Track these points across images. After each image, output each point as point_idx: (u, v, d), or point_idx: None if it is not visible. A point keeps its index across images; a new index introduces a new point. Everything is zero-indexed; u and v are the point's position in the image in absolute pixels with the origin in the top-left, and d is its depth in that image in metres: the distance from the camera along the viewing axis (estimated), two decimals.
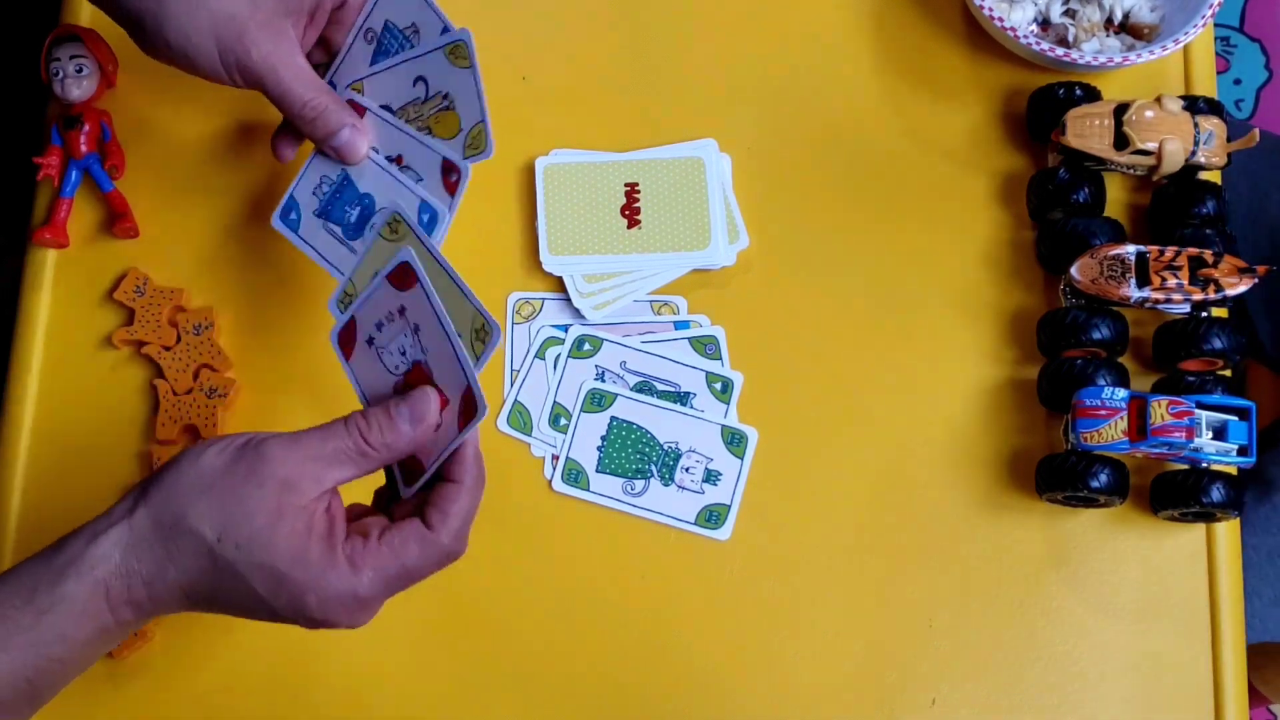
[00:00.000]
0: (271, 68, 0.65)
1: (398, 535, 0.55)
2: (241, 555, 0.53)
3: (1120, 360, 0.75)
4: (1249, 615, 0.75)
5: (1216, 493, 0.70)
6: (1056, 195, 0.76)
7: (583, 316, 0.77)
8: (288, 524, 0.53)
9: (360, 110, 0.69)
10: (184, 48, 0.64)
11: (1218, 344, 0.72)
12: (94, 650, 0.55)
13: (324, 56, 0.71)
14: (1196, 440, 0.69)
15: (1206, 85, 0.82)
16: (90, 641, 0.54)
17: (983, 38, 0.82)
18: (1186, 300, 0.73)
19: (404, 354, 0.59)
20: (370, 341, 0.60)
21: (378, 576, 0.54)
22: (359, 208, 0.69)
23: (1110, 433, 0.70)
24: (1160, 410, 0.69)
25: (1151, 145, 0.75)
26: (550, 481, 0.75)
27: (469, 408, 0.56)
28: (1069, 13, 0.83)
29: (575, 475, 0.75)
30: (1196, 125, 0.75)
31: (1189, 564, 0.74)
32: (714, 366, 0.77)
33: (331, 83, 0.70)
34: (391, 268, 0.58)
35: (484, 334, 0.57)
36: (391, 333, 0.59)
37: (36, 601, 0.53)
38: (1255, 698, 0.90)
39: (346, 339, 0.61)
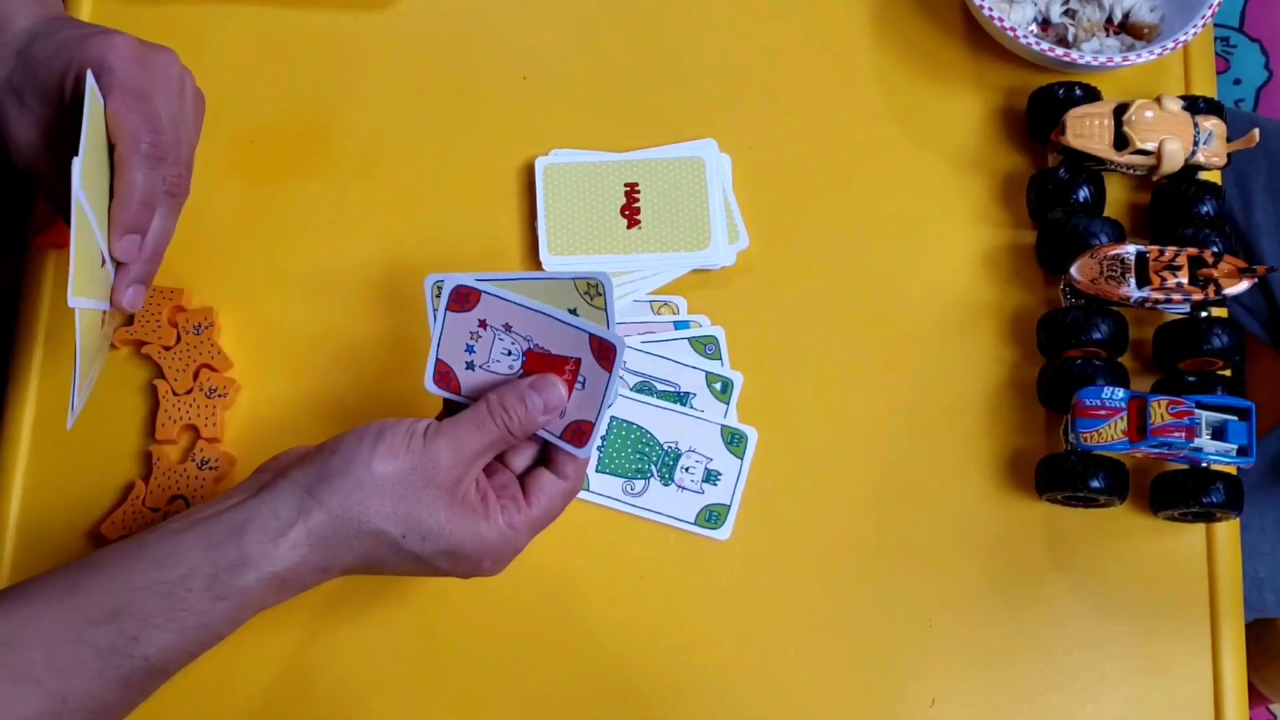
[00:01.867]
0: (30, 168, 0.65)
1: (541, 493, 0.62)
2: (427, 545, 0.59)
3: (1120, 360, 0.75)
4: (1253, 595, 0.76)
5: (1216, 493, 0.70)
6: (1056, 195, 0.76)
7: None
8: (461, 512, 0.59)
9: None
10: None
11: (1218, 344, 0.72)
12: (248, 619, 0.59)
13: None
14: (1196, 440, 0.69)
15: (1206, 85, 0.82)
16: (251, 618, 0.58)
17: (983, 38, 0.82)
18: (1186, 300, 0.73)
19: (509, 353, 0.62)
20: (471, 366, 0.63)
21: (531, 527, 0.62)
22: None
23: (1110, 433, 0.70)
24: (1160, 410, 0.69)
25: (1151, 145, 0.75)
26: None
27: (606, 351, 0.60)
28: (1069, 13, 0.83)
29: None
30: (1196, 125, 0.75)
31: (1189, 564, 0.74)
32: (714, 366, 0.77)
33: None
34: (446, 298, 0.62)
35: (595, 289, 0.62)
36: (486, 345, 0.62)
37: (215, 589, 0.56)
38: (1255, 698, 0.90)
39: (444, 379, 0.63)
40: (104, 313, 0.66)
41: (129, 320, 0.77)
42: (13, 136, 0.64)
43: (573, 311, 0.62)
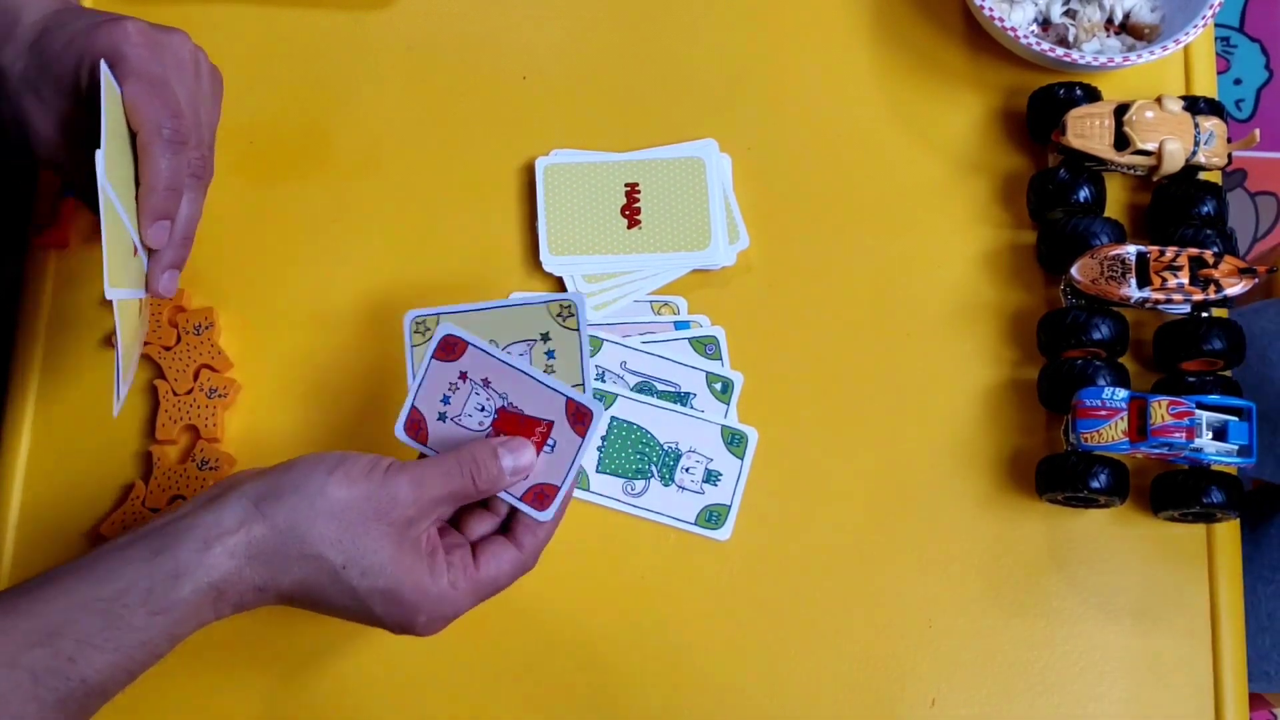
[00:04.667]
0: (54, 163, 0.65)
1: (493, 558, 0.60)
2: (365, 582, 0.57)
3: (1120, 360, 0.75)
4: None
5: (1216, 493, 0.70)
6: (1056, 195, 0.76)
7: None
8: (408, 555, 0.57)
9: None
10: (6, 132, 0.66)
11: (1218, 344, 0.72)
12: (187, 638, 0.58)
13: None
14: (1197, 441, 0.69)
15: (1207, 85, 0.82)
16: (189, 635, 0.57)
17: (983, 38, 0.82)
18: (1187, 300, 0.73)
19: (483, 409, 0.62)
20: (442, 417, 0.62)
21: (475, 592, 0.60)
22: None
23: (1110, 433, 0.70)
24: (1160, 410, 0.69)
25: (1152, 145, 0.75)
26: None
27: (581, 416, 0.60)
28: (1069, 13, 0.83)
29: None
30: (1197, 125, 0.75)
31: (1189, 564, 0.74)
32: (714, 366, 0.77)
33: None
34: (435, 345, 0.62)
35: (567, 310, 0.63)
36: (462, 397, 0.62)
37: (151, 603, 0.54)
38: (1256, 699, 0.90)
39: (415, 427, 0.63)
40: (141, 300, 0.66)
41: None
42: (33, 130, 0.64)
43: (545, 336, 0.63)
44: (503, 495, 0.61)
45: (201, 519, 0.56)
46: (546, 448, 0.61)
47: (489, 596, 0.61)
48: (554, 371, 0.64)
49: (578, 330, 0.64)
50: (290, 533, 0.56)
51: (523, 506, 0.62)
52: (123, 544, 0.56)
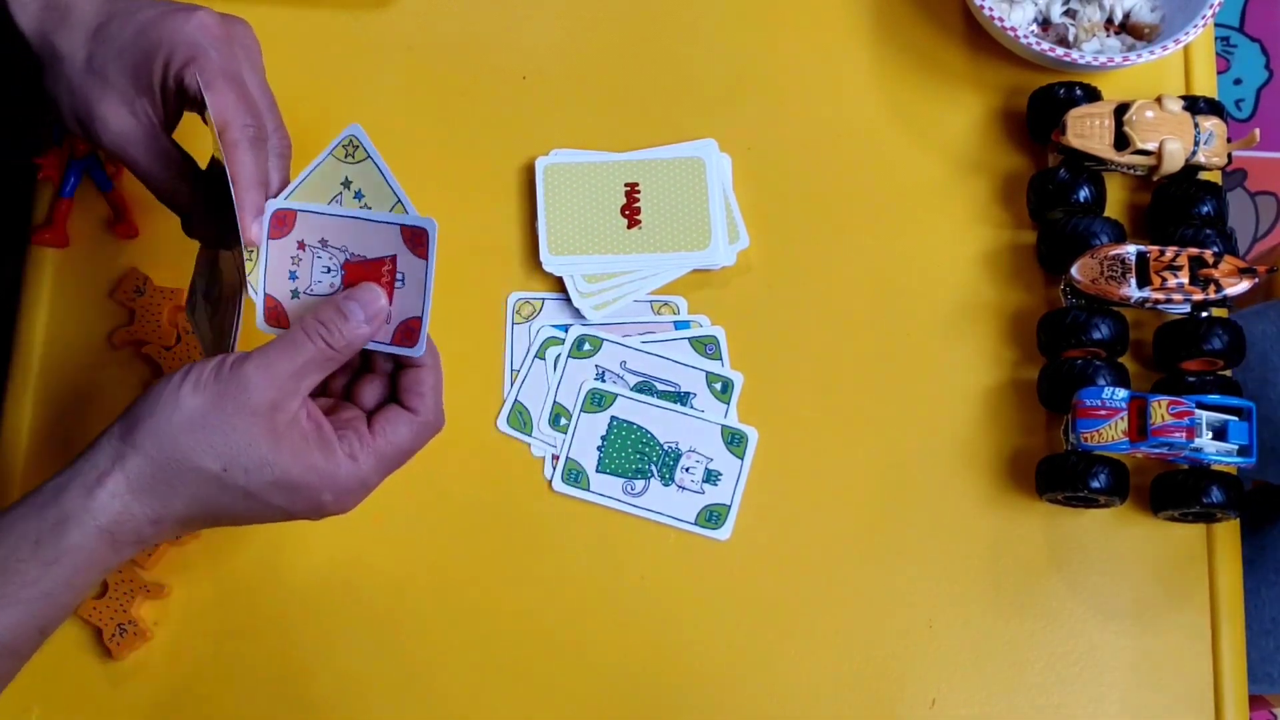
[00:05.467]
0: (122, 149, 0.64)
1: (388, 424, 0.59)
2: (253, 478, 0.56)
3: (1120, 360, 0.75)
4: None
5: (1216, 493, 0.70)
6: (1056, 195, 0.76)
7: (583, 316, 0.77)
8: (287, 440, 0.56)
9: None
10: (62, 116, 0.65)
11: (1218, 344, 0.72)
12: (96, 585, 0.58)
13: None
14: (1197, 440, 0.69)
15: (1206, 85, 0.82)
16: (95, 581, 0.57)
17: (983, 38, 0.82)
18: (1187, 300, 0.73)
19: (329, 270, 0.61)
20: (295, 294, 0.62)
21: (380, 462, 0.59)
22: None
23: (1110, 433, 0.70)
24: (1160, 410, 0.69)
25: (1152, 145, 0.75)
26: (550, 481, 0.75)
27: (418, 238, 0.59)
28: (1069, 13, 0.83)
29: (575, 475, 0.75)
30: (1197, 125, 0.75)
31: (1189, 564, 0.74)
32: (714, 366, 0.77)
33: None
34: (267, 225, 0.61)
35: (352, 145, 0.62)
36: (307, 267, 0.61)
37: (41, 555, 0.54)
38: (1256, 699, 0.90)
39: (274, 314, 0.62)
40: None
41: (130, 319, 0.77)
42: (98, 115, 0.63)
43: (346, 183, 0.61)
44: (373, 346, 0.60)
45: (79, 466, 0.56)
46: (398, 283, 0.59)
47: (398, 463, 0.60)
48: (369, 208, 0.62)
49: (369, 158, 0.62)
50: (161, 455, 0.55)
51: (394, 349, 0.60)
52: (15, 505, 0.56)
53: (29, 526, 0.55)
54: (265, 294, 0.61)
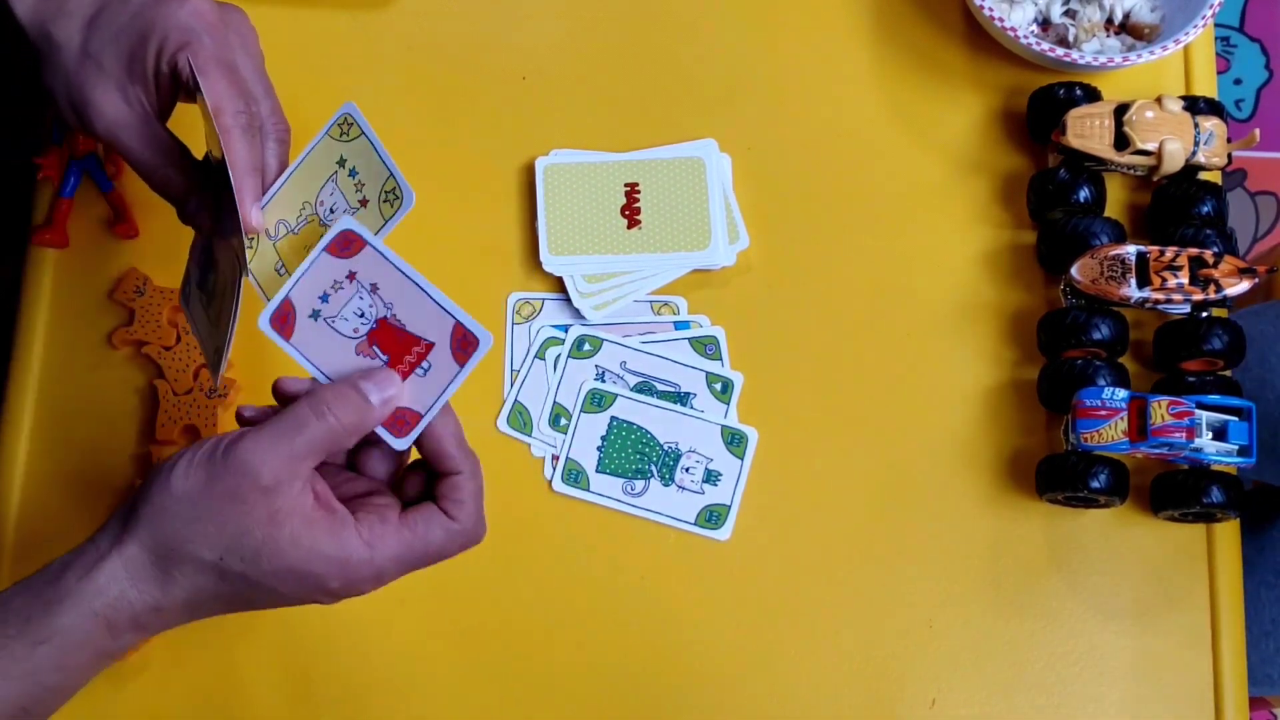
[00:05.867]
0: (115, 136, 0.64)
1: (421, 522, 0.56)
2: (250, 567, 0.53)
3: (1120, 360, 0.75)
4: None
5: (1216, 493, 0.70)
6: (1056, 195, 0.76)
7: (583, 316, 0.77)
8: (287, 527, 0.53)
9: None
10: (59, 105, 0.65)
11: (1218, 344, 0.72)
12: (92, 673, 0.56)
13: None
14: (1197, 441, 0.69)
15: (1206, 85, 0.82)
16: (88, 666, 0.55)
17: (983, 38, 0.82)
18: (1187, 300, 0.73)
19: (362, 316, 0.57)
20: (315, 315, 0.58)
21: (402, 558, 0.55)
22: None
23: (1110, 433, 0.70)
24: (1160, 410, 0.69)
25: (1151, 145, 0.75)
26: (550, 481, 0.75)
27: (467, 344, 0.55)
28: (1069, 13, 0.83)
29: (575, 475, 0.75)
30: (1196, 125, 0.75)
31: (1189, 564, 0.74)
32: (714, 366, 0.77)
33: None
34: (331, 238, 0.57)
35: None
36: (341, 300, 0.58)
37: (30, 633, 0.53)
38: (1256, 700, 0.90)
39: (281, 320, 0.58)
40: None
41: (130, 319, 0.77)
42: (92, 102, 0.63)
43: (341, 162, 0.60)
44: None
45: (84, 548, 0.54)
46: (419, 371, 0.56)
47: (422, 565, 0.56)
48: (362, 188, 0.60)
49: (364, 135, 0.61)
50: (155, 544, 0.53)
51: (382, 432, 0.56)
52: (20, 581, 0.55)
53: (24, 603, 0.53)
54: (286, 297, 0.58)
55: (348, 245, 0.57)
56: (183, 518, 0.53)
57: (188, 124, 0.66)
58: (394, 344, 0.57)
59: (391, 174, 0.61)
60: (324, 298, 0.58)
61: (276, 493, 0.53)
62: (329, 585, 0.54)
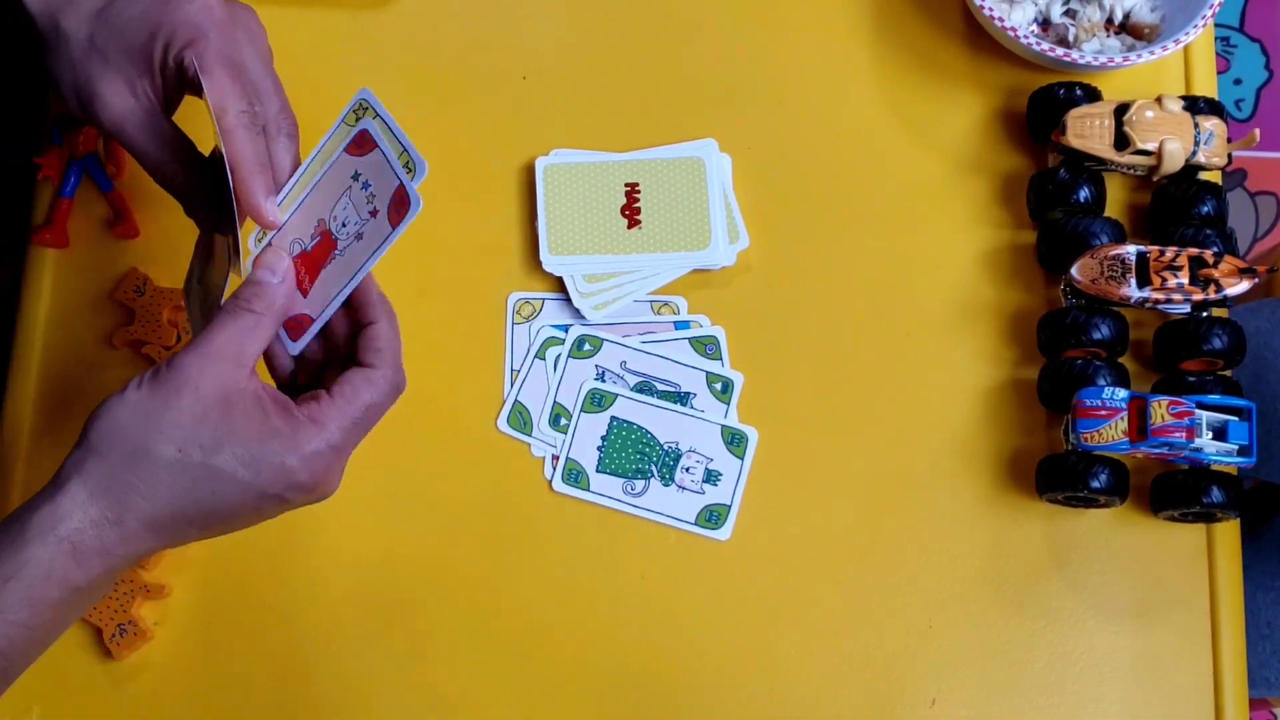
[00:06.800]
0: (120, 129, 0.64)
1: (347, 384, 0.59)
2: (210, 454, 0.55)
3: (1120, 360, 0.75)
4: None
5: (1216, 493, 0.70)
6: (1056, 195, 0.76)
7: (583, 316, 0.77)
8: (239, 410, 0.56)
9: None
10: (64, 95, 0.65)
11: (1218, 344, 0.72)
12: (64, 614, 0.56)
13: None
14: (1197, 440, 0.69)
15: (1207, 85, 0.82)
16: (59, 604, 0.55)
17: (983, 38, 0.82)
18: (1187, 300, 0.73)
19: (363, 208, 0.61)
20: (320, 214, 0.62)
21: (345, 422, 0.58)
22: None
23: (1110, 433, 0.70)
24: (1160, 410, 0.69)
25: (1152, 145, 0.75)
26: (550, 481, 0.75)
27: (401, 204, 0.58)
28: (1069, 13, 0.83)
29: (575, 475, 0.75)
30: (1197, 125, 0.75)
31: (1189, 564, 0.74)
32: (714, 366, 0.77)
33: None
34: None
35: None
36: (346, 200, 0.61)
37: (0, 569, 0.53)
38: (1255, 700, 0.90)
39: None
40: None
41: (130, 319, 0.77)
42: (99, 94, 0.63)
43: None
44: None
45: (47, 486, 0.55)
46: (330, 261, 0.60)
47: (365, 425, 0.59)
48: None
49: (380, 117, 0.62)
50: (114, 451, 0.55)
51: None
52: None
53: None
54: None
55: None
56: (139, 420, 0.55)
57: (195, 119, 0.66)
58: (318, 250, 0.61)
59: (401, 181, 0.61)
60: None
61: (224, 382, 0.56)
62: (292, 470, 0.56)
